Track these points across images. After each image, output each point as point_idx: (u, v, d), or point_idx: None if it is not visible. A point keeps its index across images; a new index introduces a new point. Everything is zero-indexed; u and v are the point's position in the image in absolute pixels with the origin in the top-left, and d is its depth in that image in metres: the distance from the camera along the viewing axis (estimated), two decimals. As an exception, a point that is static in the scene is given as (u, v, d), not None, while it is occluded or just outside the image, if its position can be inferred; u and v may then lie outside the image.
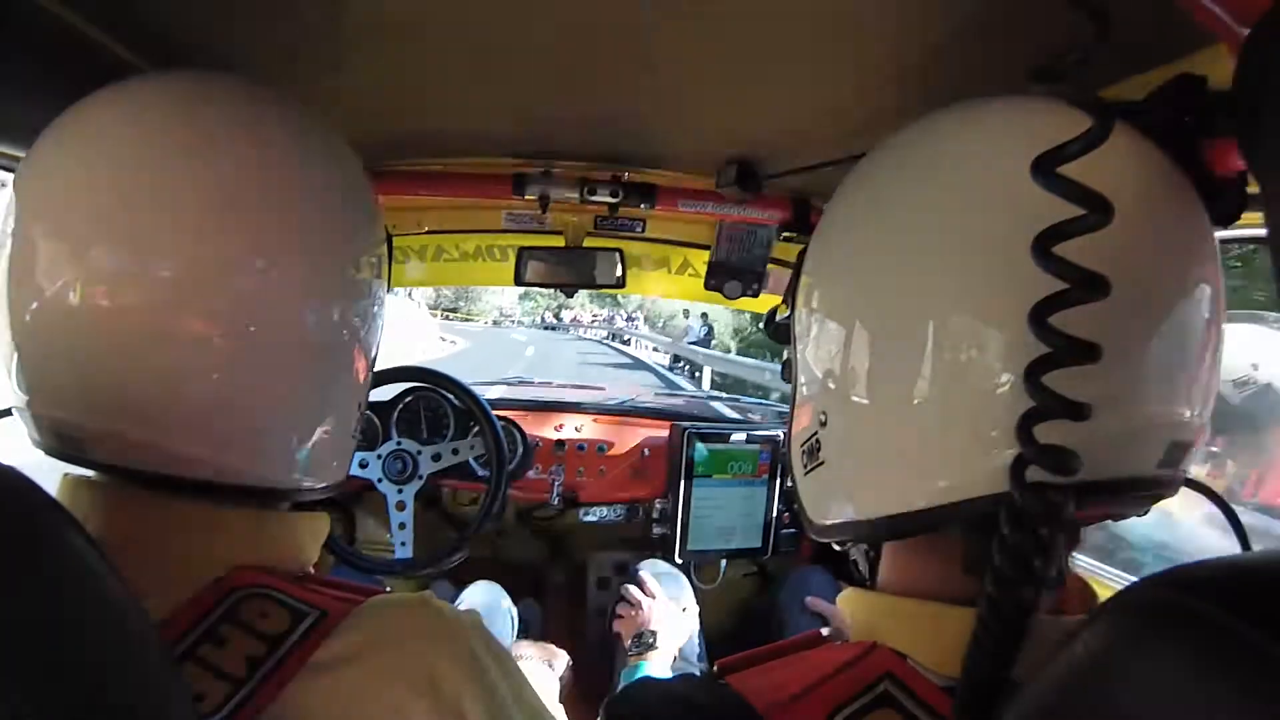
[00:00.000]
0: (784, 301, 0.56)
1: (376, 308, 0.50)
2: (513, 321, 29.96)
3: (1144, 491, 0.37)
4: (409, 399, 1.33)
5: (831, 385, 0.42)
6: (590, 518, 1.44)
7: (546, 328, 25.86)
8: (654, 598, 1.08)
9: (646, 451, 1.42)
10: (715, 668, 0.45)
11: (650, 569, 1.18)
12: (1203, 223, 0.37)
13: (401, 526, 1.20)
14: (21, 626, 0.21)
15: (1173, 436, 0.36)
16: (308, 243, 0.43)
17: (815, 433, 0.44)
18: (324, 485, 0.49)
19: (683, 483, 1.31)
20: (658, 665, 0.96)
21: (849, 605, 0.46)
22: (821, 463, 0.44)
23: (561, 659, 1.02)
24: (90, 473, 0.42)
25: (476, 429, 1.28)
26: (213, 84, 0.43)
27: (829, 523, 0.44)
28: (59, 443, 0.41)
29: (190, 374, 0.39)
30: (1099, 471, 0.32)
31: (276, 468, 0.45)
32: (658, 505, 1.38)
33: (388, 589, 0.72)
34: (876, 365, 0.39)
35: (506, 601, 1.14)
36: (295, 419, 0.45)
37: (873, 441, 0.40)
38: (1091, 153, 0.29)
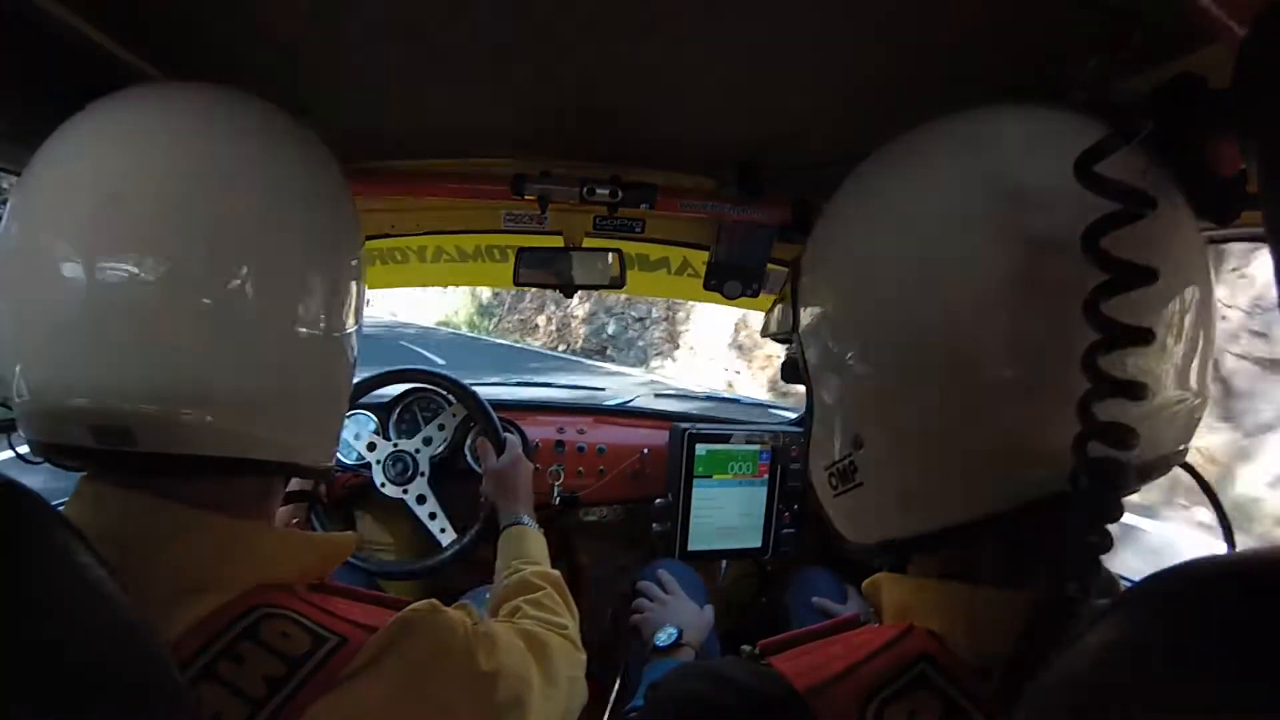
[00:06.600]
0: (790, 324, 0.55)
1: (353, 288, 0.53)
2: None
3: (1164, 468, 0.38)
4: (408, 400, 1.32)
5: (866, 410, 0.42)
6: (590, 518, 1.44)
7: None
8: (675, 595, 1.08)
9: (646, 451, 1.42)
10: (758, 649, 0.45)
11: (669, 568, 1.18)
12: (1191, 215, 0.39)
13: (433, 516, 1.21)
14: (21, 647, 0.21)
15: (1189, 415, 0.38)
16: (291, 237, 0.46)
17: (849, 455, 0.44)
18: (322, 465, 0.51)
19: (683, 483, 1.31)
20: (684, 660, 0.96)
21: (882, 589, 0.46)
22: (858, 484, 0.44)
23: None
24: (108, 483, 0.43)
25: (477, 428, 1.27)
26: (209, 96, 0.47)
27: (867, 542, 0.45)
28: (93, 436, 0.41)
29: (191, 350, 0.41)
30: (1142, 452, 0.33)
31: (279, 438, 0.47)
32: (658, 505, 1.38)
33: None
34: (917, 388, 0.39)
35: None
36: (289, 388, 0.47)
37: (916, 464, 0.40)
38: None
